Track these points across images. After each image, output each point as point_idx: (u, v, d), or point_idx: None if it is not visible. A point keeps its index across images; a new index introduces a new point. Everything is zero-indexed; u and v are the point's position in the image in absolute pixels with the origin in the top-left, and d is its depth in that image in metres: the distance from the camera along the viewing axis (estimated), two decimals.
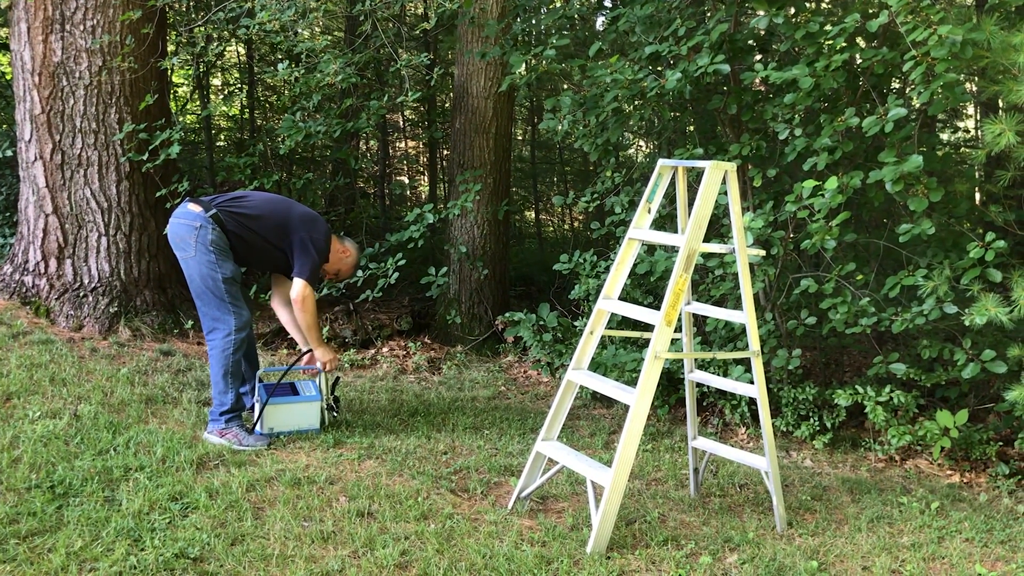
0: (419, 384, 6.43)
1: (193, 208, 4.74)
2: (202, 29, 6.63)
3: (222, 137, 11.78)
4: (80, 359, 5.84)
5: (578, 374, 4.04)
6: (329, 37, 10.79)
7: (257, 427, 4.80)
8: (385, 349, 7.22)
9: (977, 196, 7.31)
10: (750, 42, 5.41)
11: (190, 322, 6.90)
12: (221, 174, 8.83)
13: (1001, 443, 5.14)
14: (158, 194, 6.77)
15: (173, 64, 6.52)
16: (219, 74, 11.53)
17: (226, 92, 11.46)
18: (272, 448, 4.66)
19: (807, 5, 5.06)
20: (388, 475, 4.35)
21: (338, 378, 5.39)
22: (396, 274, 6.75)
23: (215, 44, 6.65)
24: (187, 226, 4.70)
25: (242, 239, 4.76)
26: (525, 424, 5.47)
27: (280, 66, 5.96)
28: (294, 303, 4.78)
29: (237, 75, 11.49)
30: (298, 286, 4.74)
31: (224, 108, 10.93)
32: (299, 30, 6.41)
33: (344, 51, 6.89)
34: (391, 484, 4.21)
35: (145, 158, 6.60)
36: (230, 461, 4.35)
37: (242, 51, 10.75)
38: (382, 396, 5.88)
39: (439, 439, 5.06)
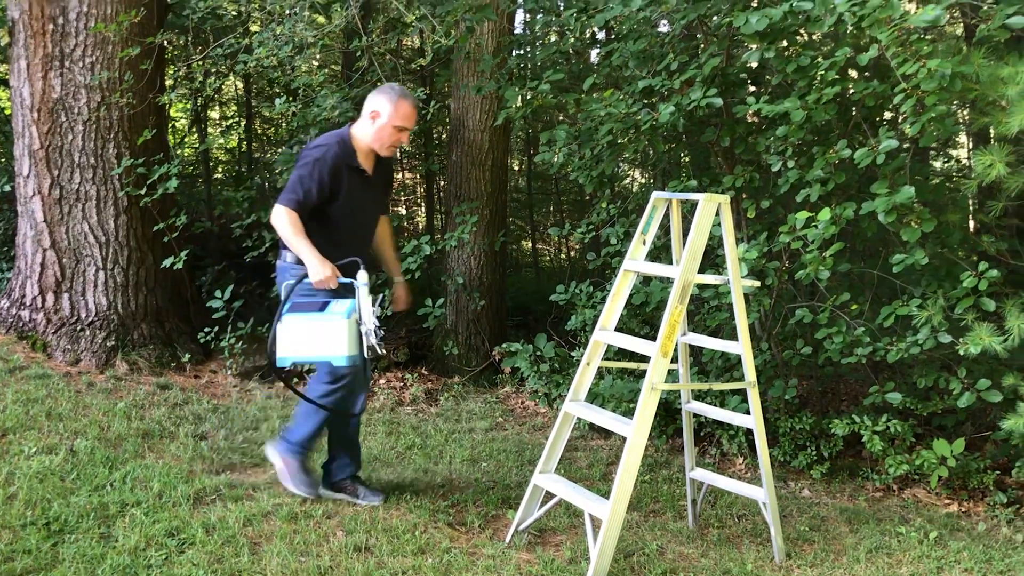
0: (416, 416, 6.43)
1: (278, 260, 4.24)
2: (200, 64, 6.70)
3: (220, 170, 11.84)
4: (77, 393, 5.84)
5: (575, 406, 4.05)
6: (327, 70, 10.89)
7: (276, 352, 3.86)
8: (382, 381, 7.22)
9: (972, 224, 7.36)
10: (742, 75, 5.47)
11: (187, 355, 6.90)
12: (219, 207, 8.87)
13: (998, 472, 5.15)
14: (156, 228, 6.80)
15: (171, 99, 6.58)
16: (217, 107, 11.61)
17: (224, 125, 11.55)
18: (269, 483, 4.64)
19: (798, 39, 5.12)
20: (385, 509, 4.34)
21: (383, 298, 4.62)
22: (391, 306, 6.74)
23: (213, 79, 6.72)
24: (278, 278, 4.20)
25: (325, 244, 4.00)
26: (523, 456, 5.47)
27: (278, 101, 6.02)
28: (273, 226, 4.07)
29: (235, 108, 11.57)
30: (272, 211, 4.02)
31: (222, 141, 11.00)
32: (297, 64, 6.48)
33: (341, 86, 6.95)
34: (388, 518, 4.20)
35: (143, 192, 6.64)
36: (227, 496, 4.34)
37: (240, 85, 10.83)
38: (379, 429, 5.87)
39: (436, 471, 5.05)
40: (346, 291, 3.95)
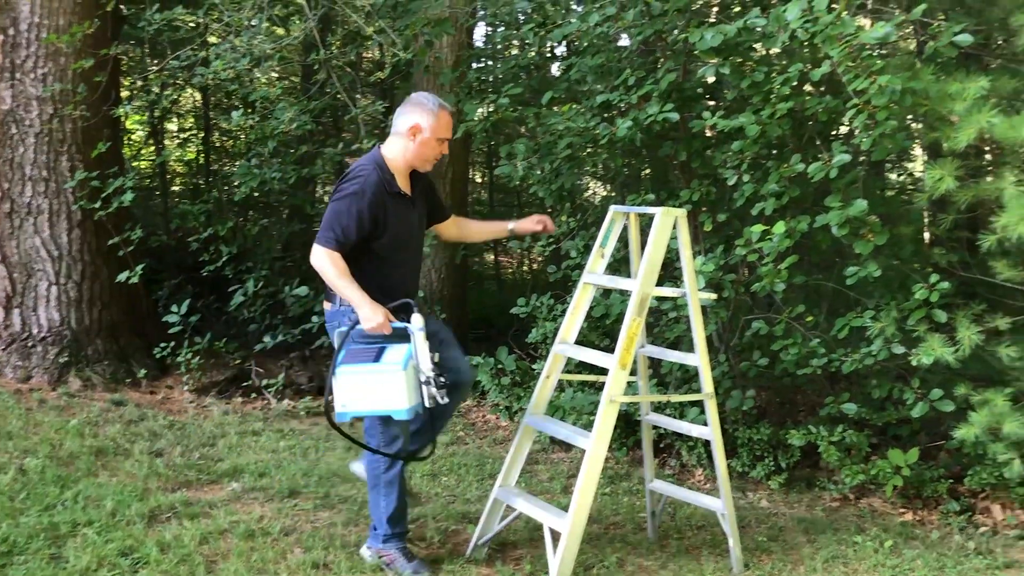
0: None
1: (326, 305, 3.89)
2: (157, 76, 6.63)
3: (178, 183, 11.71)
4: (27, 411, 5.73)
5: (535, 419, 4.05)
6: (286, 82, 10.83)
7: (335, 405, 3.61)
8: None
9: (927, 236, 7.50)
10: (699, 90, 5.53)
11: (143, 371, 6.81)
12: (176, 221, 8.77)
13: (951, 480, 5.22)
14: (111, 242, 6.70)
15: (127, 111, 6.50)
16: (175, 119, 11.49)
17: (182, 138, 11.43)
18: (226, 500, 4.58)
19: (753, 55, 5.19)
20: (344, 525, 4.31)
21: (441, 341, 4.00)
22: None
23: (170, 91, 6.65)
24: (329, 327, 3.89)
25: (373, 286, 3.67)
26: (483, 470, 5.45)
27: (235, 113, 5.97)
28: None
29: (193, 120, 11.46)
30: (312, 251, 3.65)
31: (179, 154, 10.89)
32: (257, 75, 6.44)
33: (300, 98, 6.92)
34: (347, 534, 4.17)
35: (97, 206, 6.54)
36: (183, 514, 4.28)
37: (198, 97, 10.73)
38: (338, 444, 5.82)
39: None
40: (401, 336, 3.62)
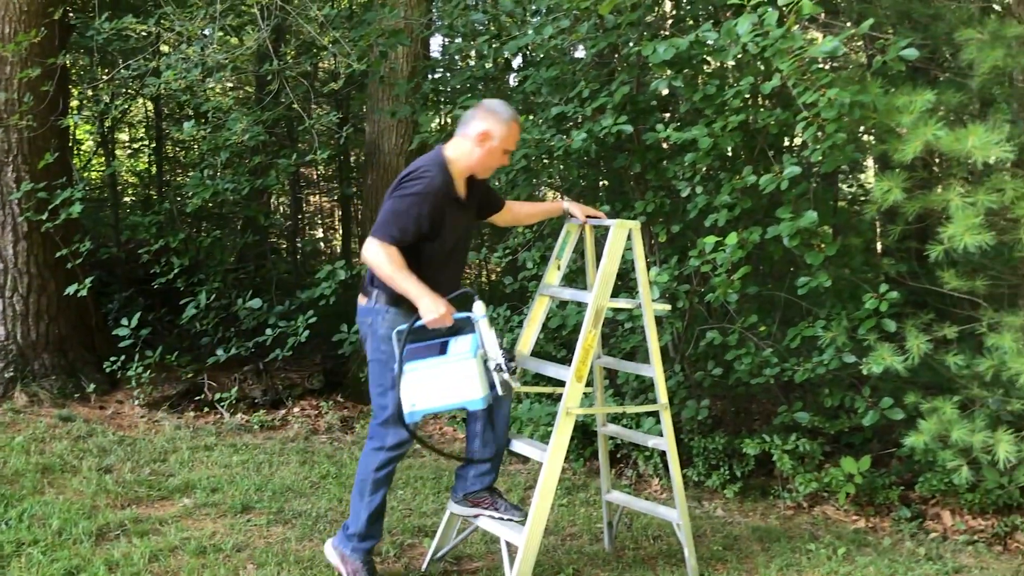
0: (331, 444, 6.32)
1: (361, 301, 3.75)
2: (106, 86, 6.52)
3: (129, 193, 11.53)
4: None
5: None
6: (240, 92, 10.73)
7: (404, 407, 3.51)
8: (296, 409, 7.09)
9: (880, 246, 7.63)
10: (652, 103, 5.57)
11: (92, 386, 6.68)
12: (127, 232, 8.63)
13: (903, 487, 5.30)
14: (59, 254, 6.57)
15: (76, 122, 6.39)
16: (126, 129, 11.32)
17: (133, 148, 11.26)
18: (178, 516, 4.50)
19: (705, 68, 5.25)
20: (298, 540, 4.25)
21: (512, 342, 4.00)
22: (307, 332, 6.67)
23: (121, 101, 6.55)
24: (362, 324, 3.78)
25: (432, 274, 3.61)
26: (439, 483, 5.42)
27: (186, 124, 5.90)
28: (367, 265, 3.59)
29: (144, 130, 11.29)
30: (365, 245, 3.53)
31: (130, 164, 10.73)
32: (210, 85, 6.36)
33: (253, 109, 6.85)
34: (301, 550, 4.11)
35: (45, 218, 6.41)
36: (132, 531, 4.19)
37: (150, 106, 10.58)
38: (292, 458, 5.75)
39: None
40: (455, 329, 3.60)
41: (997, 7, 4.96)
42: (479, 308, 3.53)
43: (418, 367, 3.45)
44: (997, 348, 4.42)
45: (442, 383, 3.43)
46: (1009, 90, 5.03)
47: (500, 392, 3.57)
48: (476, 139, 3.64)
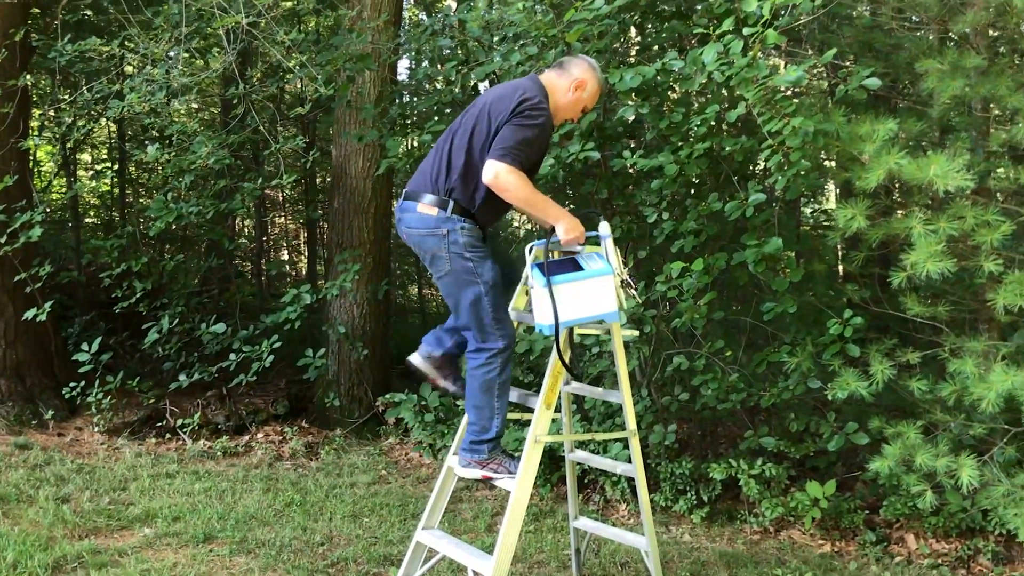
0: (295, 471, 6.24)
1: (426, 211, 3.66)
2: (68, 108, 6.44)
3: (91, 215, 11.37)
4: None
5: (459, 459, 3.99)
6: (206, 113, 10.65)
7: (536, 319, 3.68)
8: (260, 435, 7.00)
9: (842, 271, 7.71)
10: (619, 129, 5.60)
11: (50, 412, 6.56)
12: (88, 255, 8.50)
13: (868, 511, 5.34)
14: (17, 278, 6.45)
15: (36, 144, 6.30)
16: (88, 150, 11.17)
17: (95, 170, 11.11)
18: (138, 547, 4.41)
19: (671, 95, 5.30)
20: (261, 570, 4.19)
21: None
22: (271, 357, 6.60)
23: (83, 122, 6.47)
24: (431, 237, 3.68)
25: (490, 204, 3.67)
26: (406, 510, 5.37)
27: (150, 148, 5.83)
28: (493, 189, 3.52)
29: (107, 152, 11.16)
30: (490, 167, 3.48)
31: (93, 186, 10.58)
32: (175, 107, 6.31)
33: (218, 132, 6.80)
34: None
35: (3, 241, 6.30)
36: (90, 563, 4.10)
37: (113, 128, 10.47)
38: (256, 485, 5.67)
39: (316, 529, 4.90)
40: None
41: (955, 36, 5.06)
42: (605, 227, 3.73)
43: (567, 278, 3.57)
44: (959, 373, 4.47)
45: (586, 297, 3.58)
46: (968, 119, 5.12)
47: (626, 306, 3.76)
48: (573, 84, 3.71)
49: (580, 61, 3.80)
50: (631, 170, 5.28)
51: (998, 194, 4.92)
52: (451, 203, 3.61)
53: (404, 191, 3.78)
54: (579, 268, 3.64)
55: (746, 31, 4.18)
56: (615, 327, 3.97)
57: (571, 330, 3.78)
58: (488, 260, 3.66)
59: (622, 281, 3.70)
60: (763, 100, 4.17)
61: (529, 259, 3.64)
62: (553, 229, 3.67)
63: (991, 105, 4.88)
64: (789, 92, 4.63)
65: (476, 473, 3.78)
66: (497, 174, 3.46)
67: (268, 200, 12.18)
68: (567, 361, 3.73)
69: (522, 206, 3.62)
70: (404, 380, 8.44)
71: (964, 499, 4.74)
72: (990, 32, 4.91)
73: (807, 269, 5.00)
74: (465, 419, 3.85)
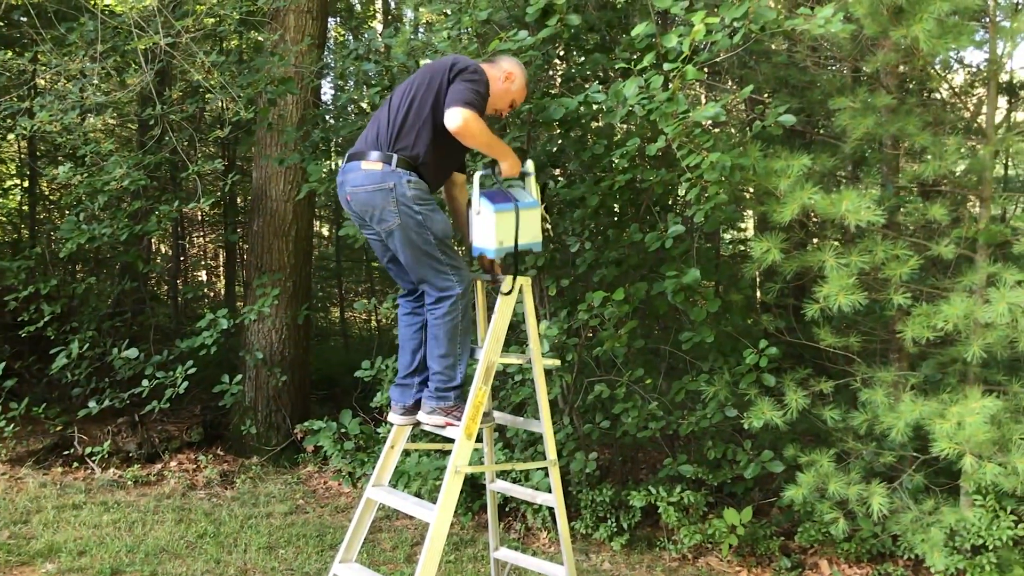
0: (209, 501, 6.07)
1: (371, 167, 3.73)
2: None
3: None
4: None
5: (378, 491, 3.94)
6: (124, 129, 10.37)
7: (484, 243, 3.85)
8: (173, 463, 6.80)
9: (760, 300, 7.85)
10: (543, 159, 5.64)
11: None
12: None
13: (783, 537, 5.44)
14: None
15: None
16: None
17: (2, 187, 10.71)
18: None
19: (593, 126, 5.36)
20: None
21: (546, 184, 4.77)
22: (185, 383, 6.41)
23: None
24: (377, 192, 3.72)
25: (434, 160, 3.81)
26: (324, 541, 5.26)
27: (61, 168, 5.64)
28: (456, 136, 3.63)
29: (16, 167, 10.77)
30: (455, 115, 3.58)
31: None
32: (94, 122, 6.12)
33: (134, 152, 6.63)
34: None
35: None
36: None
37: (23, 144, 10.11)
38: (168, 516, 5.50)
39: (229, 562, 4.77)
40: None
41: (867, 75, 5.24)
42: (530, 165, 4.02)
43: (505, 208, 3.82)
44: (870, 403, 4.62)
45: (523, 225, 3.85)
46: (879, 155, 5.31)
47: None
48: (504, 75, 3.96)
49: (509, 56, 4.08)
50: (555, 199, 5.31)
51: (909, 227, 5.10)
52: (395, 157, 3.71)
53: (346, 155, 3.87)
54: (511, 199, 3.87)
55: (667, 66, 4.26)
56: (536, 356, 3.98)
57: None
58: (437, 212, 3.77)
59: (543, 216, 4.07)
60: (682, 134, 4.24)
61: (476, 187, 3.83)
62: (494, 162, 3.91)
63: (901, 142, 5.06)
64: (709, 125, 4.72)
65: (440, 420, 3.86)
66: (465, 121, 3.59)
67: (187, 218, 11.90)
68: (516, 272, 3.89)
69: (484, 149, 3.79)
70: (325, 405, 8.32)
71: (875, 525, 4.87)
72: (901, 68, 5.09)
73: (725, 299, 5.10)
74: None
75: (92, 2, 6.64)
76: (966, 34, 4.39)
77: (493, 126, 4.37)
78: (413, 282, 3.97)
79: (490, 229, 3.82)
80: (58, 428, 6.75)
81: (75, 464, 6.53)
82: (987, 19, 4.61)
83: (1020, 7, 5.60)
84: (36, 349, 7.36)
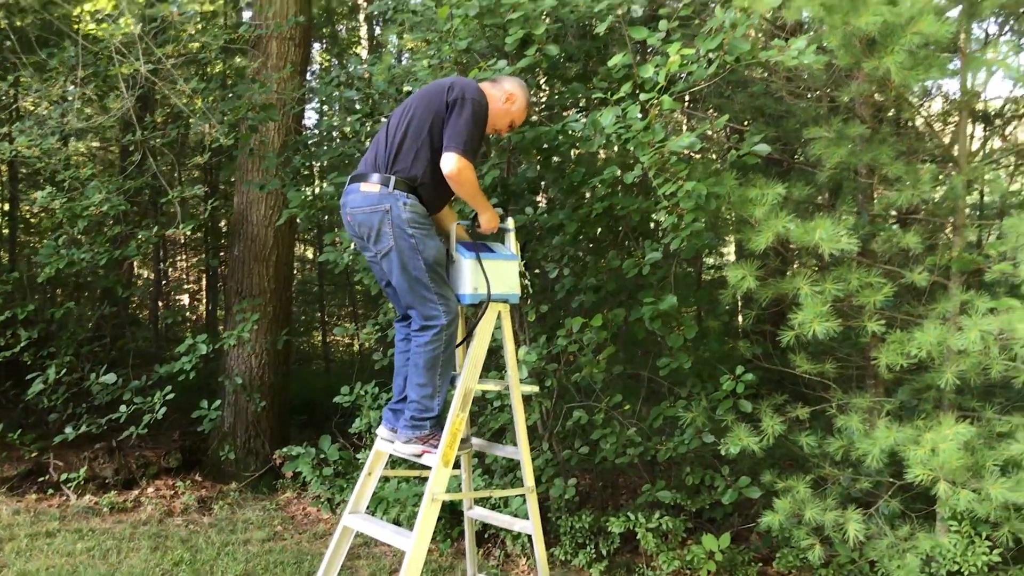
0: (187, 527, 6.02)
1: (369, 189, 3.80)
2: None
3: None
4: None
5: (355, 519, 3.94)
6: (106, 153, 10.35)
7: (460, 289, 3.92)
8: (151, 489, 6.74)
9: (740, 326, 7.89)
10: (522, 186, 5.68)
11: None
12: None
13: (761, 563, 5.44)
14: None
15: None
16: None
17: None
18: None
19: (572, 155, 5.40)
20: None
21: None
22: (163, 409, 6.37)
23: None
24: (374, 213, 3.79)
25: (432, 181, 3.85)
26: (301, 569, 5.23)
27: (40, 193, 5.63)
28: (448, 179, 3.74)
29: None
30: (450, 160, 3.69)
31: None
32: (76, 145, 6.11)
33: (114, 177, 6.62)
34: None
35: None
36: None
37: (3, 168, 10.08)
38: (144, 543, 5.45)
39: None
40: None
41: (841, 105, 5.31)
42: (510, 222, 4.17)
43: (496, 257, 4.00)
44: (846, 429, 4.64)
45: (506, 277, 4.01)
46: (854, 184, 5.37)
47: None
48: (505, 96, 4.04)
49: (512, 78, 4.14)
50: (534, 226, 5.35)
51: (884, 254, 5.15)
52: (392, 179, 3.77)
53: (349, 177, 3.96)
54: (486, 249, 4.03)
55: (643, 96, 4.31)
56: (514, 382, 4.00)
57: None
58: (432, 239, 3.82)
59: (521, 270, 4.19)
60: (658, 163, 4.29)
61: (454, 237, 3.97)
62: (475, 216, 4.05)
63: (876, 171, 5.12)
64: (687, 153, 4.77)
65: (416, 449, 3.88)
66: (460, 169, 3.70)
67: (169, 241, 11.87)
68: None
69: (467, 199, 3.90)
70: (305, 431, 8.27)
71: (852, 551, 4.88)
72: (876, 97, 5.16)
73: (702, 326, 5.13)
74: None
75: (74, 27, 6.66)
76: (937, 65, 4.44)
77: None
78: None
79: (465, 276, 3.91)
80: (33, 454, 6.69)
81: (50, 491, 6.47)
82: (959, 50, 4.69)
83: (992, 38, 5.72)
84: (12, 374, 7.30)
